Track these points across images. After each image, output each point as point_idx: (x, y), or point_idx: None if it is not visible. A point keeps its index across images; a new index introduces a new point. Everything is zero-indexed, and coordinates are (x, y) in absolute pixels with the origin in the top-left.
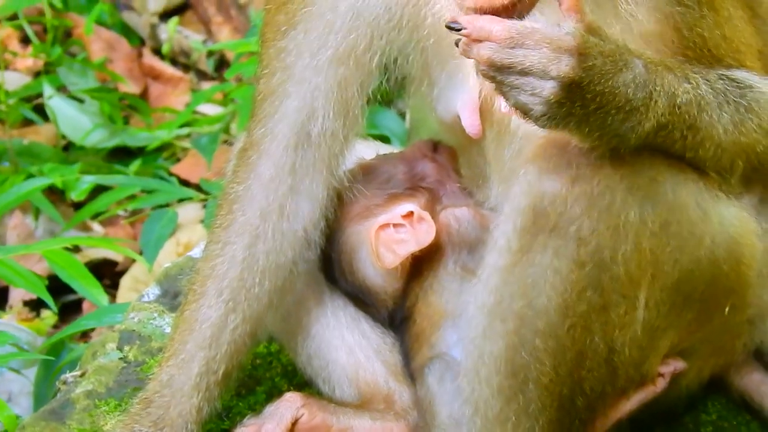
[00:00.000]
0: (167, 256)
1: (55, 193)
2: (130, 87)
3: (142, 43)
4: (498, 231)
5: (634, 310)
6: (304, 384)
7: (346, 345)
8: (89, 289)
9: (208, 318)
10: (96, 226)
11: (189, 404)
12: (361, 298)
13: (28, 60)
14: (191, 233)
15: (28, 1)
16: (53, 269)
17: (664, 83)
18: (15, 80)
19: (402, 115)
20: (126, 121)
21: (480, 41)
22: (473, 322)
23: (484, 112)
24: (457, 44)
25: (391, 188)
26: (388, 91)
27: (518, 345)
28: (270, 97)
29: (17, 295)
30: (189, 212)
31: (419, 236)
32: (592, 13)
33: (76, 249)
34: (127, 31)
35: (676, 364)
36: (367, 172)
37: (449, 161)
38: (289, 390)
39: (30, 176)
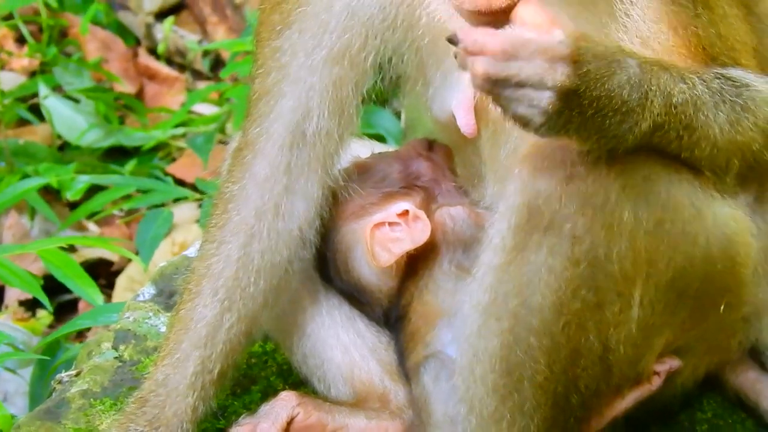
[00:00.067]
0: (163, 256)
1: (50, 193)
2: (126, 87)
3: (138, 42)
4: (493, 229)
5: (628, 308)
6: (299, 383)
7: (341, 344)
8: (85, 289)
9: (203, 317)
10: (91, 226)
11: (184, 403)
12: (356, 297)
13: (23, 60)
14: (187, 233)
15: (24, 0)
16: (49, 269)
17: (659, 83)
18: (10, 80)
19: (397, 115)
20: (121, 120)
21: (475, 55)
22: (468, 320)
23: (479, 111)
24: (456, 56)
25: (387, 187)
26: (383, 90)
27: (513, 343)
28: (265, 97)
29: (13, 295)
30: (184, 212)
31: (414, 235)
32: (587, 12)
33: (71, 249)
34: (122, 30)
35: (672, 363)
36: (362, 170)
37: (444, 160)
38: (284, 389)
39: (25, 176)
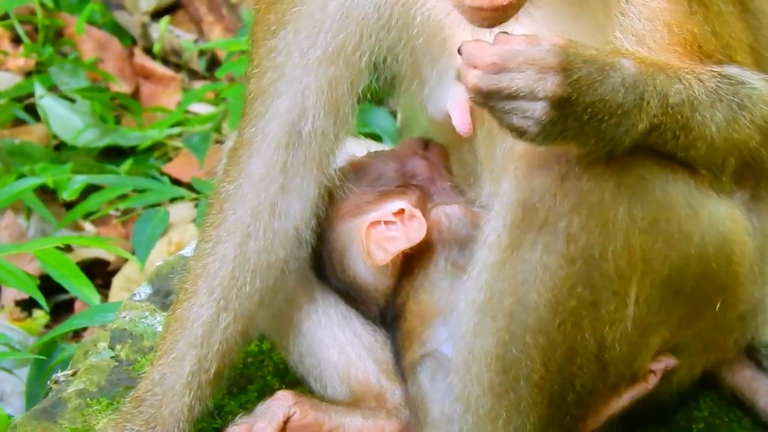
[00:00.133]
0: (159, 256)
1: (46, 193)
2: (122, 86)
3: (134, 42)
4: (488, 227)
5: (624, 306)
6: (295, 382)
7: (337, 343)
8: (81, 289)
9: (199, 317)
10: (88, 226)
11: (181, 403)
12: (352, 296)
13: (19, 60)
14: (183, 232)
15: (20, 0)
16: (45, 269)
17: (656, 83)
18: (6, 80)
19: (393, 114)
20: (117, 120)
21: (468, 67)
22: (464, 319)
23: (475, 111)
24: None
25: (382, 186)
26: (379, 90)
27: (508, 342)
28: (261, 97)
29: (9, 295)
30: (181, 211)
31: (410, 233)
32: (583, 12)
33: (67, 248)
34: (118, 30)
35: (668, 361)
36: (358, 169)
37: (440, 159)
38: (280, 388)
39: (21, 176)
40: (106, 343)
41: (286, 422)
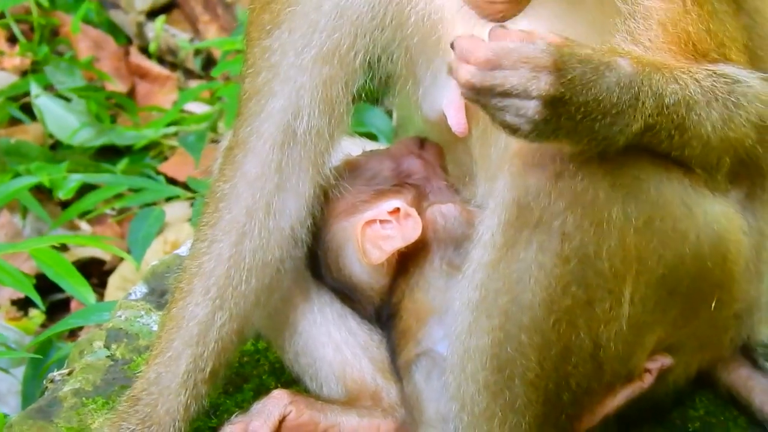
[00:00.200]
0: (155, 255)
1: (42, 192)
2: (117, 86)
3: (129, 41)
4: (483, 226)
5: (619, 305)
6: (291, 381)
7: (333, 342)
8: (77, 288)
9: (195, 316)
10: (83, 225)
11: (176, 402)
12: (348, 295)
13: (15, 59)
14: (179, 231)
15: None
16: (41, 268)
17: (651, 83)
18: (2, 79)
19: (389, 113)
20: (113, 119)
21: (461, 62)
22: (459, 317)
23: (470, 110)
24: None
25: (378, 185)
26: (374, 89)
27: (504, 340)
28: (255, 96)
29: (5, 294)
30: (176, 211)
31: (405, 232)
32: (578, 11)
33: (63, 248)
34: (114, 29)
35: (663, 360)
36: (353, 169)
37: (436, 158)
38: (276, 387)
39: (17, 175)
40: (101, 342)
41: (281, 421)
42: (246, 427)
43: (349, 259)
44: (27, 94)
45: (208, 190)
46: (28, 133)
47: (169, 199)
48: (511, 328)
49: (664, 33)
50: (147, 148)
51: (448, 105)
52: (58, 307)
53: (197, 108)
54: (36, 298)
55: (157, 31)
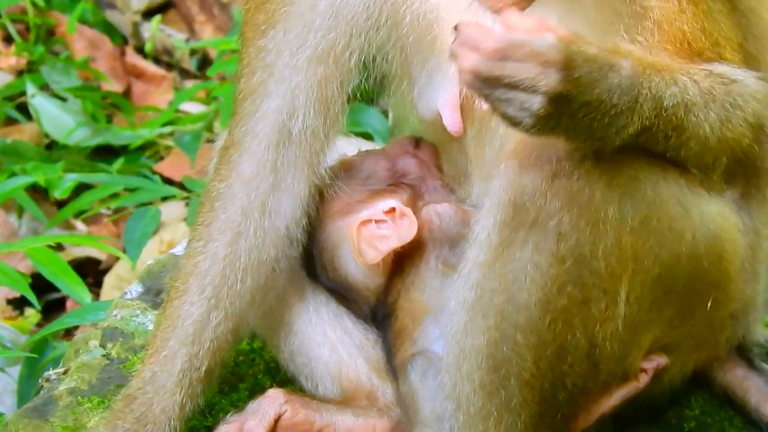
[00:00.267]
0: (150, 254)
1: (38, 192)
2: (113, 85)
3: (125, 41)
4: (478, 225)
5: (614, 305)
6: (287, 381)
7: (328, 342)
8: (73, 287)
9: (190, 315)
10: (79, 225)
11: (172, 401)
12: (343, 295)
13: (10, 59)
14: (174, 231)
15: None
16: (37, 267)
17: (651, 86)
18: None
19: (385, 113)
20: (109, 119)
21: (468, 48)
22: (454, 317)
23: (465, 109)
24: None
25: (373, 184)
26: (369, 89)
27: (499, 340)
28: (251, 96)
29: (0, 293)
30: (172, 210)
31: (401, 232)
32: (575, 10)
33: (59, 247)
34: (109, 29)
35: (659, 360)
36: (348, 168)
37: (431, 158)
38: (272, 387)
39: (13, 175)
40: (97, 341)
41: (277, 420)
42: (241, 427)
43: (344, 259)
44: (23, 93)
45: (203, 190)
46: (23, 133)
47: (164, 199)
48: (506, 328)
49: (660, 32)
50: (143, 147)
51: (443, 104)
52: (53, 307)
53: (193, 108)
54: (31, 297)
55: (153, 31)
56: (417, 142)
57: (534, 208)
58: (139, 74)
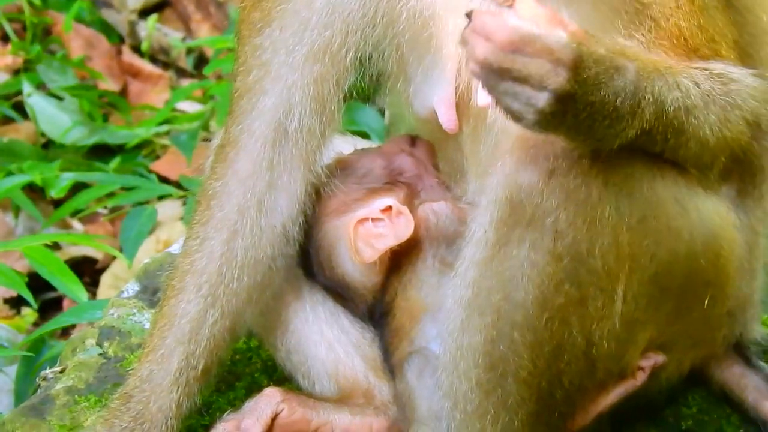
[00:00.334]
0: (147, 253)
1: (34, 191)
2: (110, 84)
3: (122, 40)
4: (475, 223)
5: (611, 303)
6: (283, 379)
7: (325, 340)
8: (69, 286)
9: (187, 313)
10: (76, 224)
11: (168, 399)
12: (340, 293)
13: (7, 58)
14: (171, 230)
15: None
16: (33, 266)
17: (653, 91)
18: None
19: (381, 112)
20: (105, 118)
21: (480, 38)
22: (451, 315)
23: (461, 107)
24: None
25: (369, 183)
26: (366, 87)
27: (496, 338)
28: (247, 94)
29: None
30: (168, 209)
31: (398, 230)
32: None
33: (56, 246)
34: (106, 28)
35: (656, 358)
36: (344, 167)
37: (427, 156)
38: (268, 385)
39: (10, 174)
40: (94, 340)
41: (273, 419)
42: (238, 425)
43: (341, 258)
44: (19, 92)
45: (199, 189)
46: (20, 132)
47: (161, 198)
48: (503, 326)
49: (657, 28)
50: (139, 146)
51: (439, 102)
52: (50, 306)
53: (189, 107)
54: (28, 296)
55: (150, 29)
56: (413, 140)
57: (531, 205)
58: (136, 73)
